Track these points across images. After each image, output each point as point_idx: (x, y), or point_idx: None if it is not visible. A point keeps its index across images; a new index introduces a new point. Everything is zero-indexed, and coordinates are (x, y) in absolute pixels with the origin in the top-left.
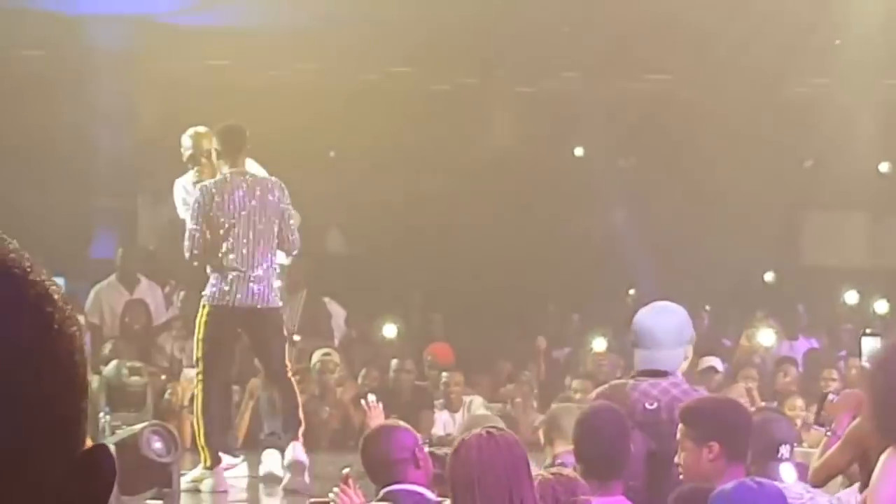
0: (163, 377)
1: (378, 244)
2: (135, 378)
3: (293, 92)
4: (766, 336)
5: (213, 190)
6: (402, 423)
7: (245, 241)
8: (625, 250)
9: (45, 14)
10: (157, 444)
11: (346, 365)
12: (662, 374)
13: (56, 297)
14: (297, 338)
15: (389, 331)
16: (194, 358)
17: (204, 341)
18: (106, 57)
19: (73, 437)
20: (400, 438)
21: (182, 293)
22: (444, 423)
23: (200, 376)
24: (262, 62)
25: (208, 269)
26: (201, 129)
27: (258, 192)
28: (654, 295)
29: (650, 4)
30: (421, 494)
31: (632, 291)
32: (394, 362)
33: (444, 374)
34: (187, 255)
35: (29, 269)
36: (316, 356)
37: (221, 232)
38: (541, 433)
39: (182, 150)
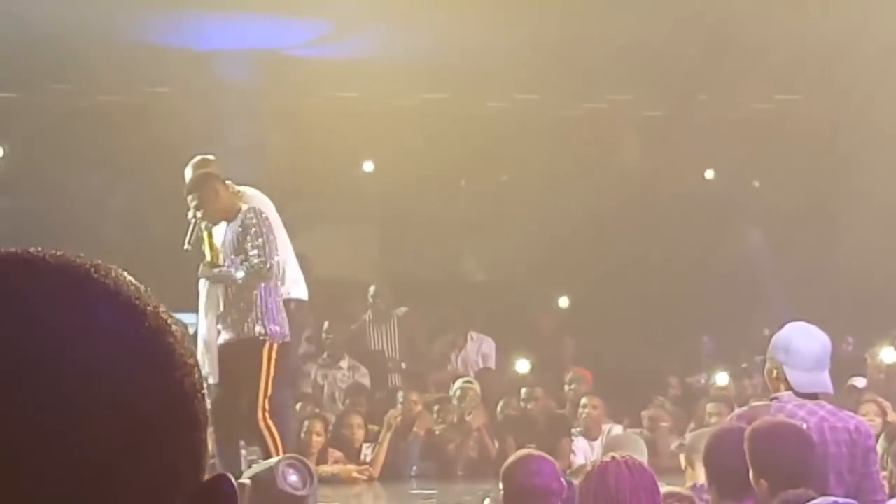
0: (308, 408)
1: (511, 270)
2: None
3: (422, 121)
4: (888, 354)
5: (265, 215)
6: (541, 452)
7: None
8: (758, 272)
9: (172, 50)
10: (293, 478)
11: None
12: (813, 396)
13: (175, 329)
14: (403, 365)
15: (522, 366)
16: (262, 404)
17: (274, 385)
18: (234, 91)
19: (193, 468)
20: (540, 468)
21: (326, 324)
22: (582, 450)
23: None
24: (389, 92)
25: (277, 303)
26: (208, 157)
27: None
28: (789, 317)
29: (777, 24)
30: None
31: (766, 331)
32: (523, 391)
33: (583, 399)
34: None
35: (148, 303)
36: (456, 384)
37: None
38: (682, 457)
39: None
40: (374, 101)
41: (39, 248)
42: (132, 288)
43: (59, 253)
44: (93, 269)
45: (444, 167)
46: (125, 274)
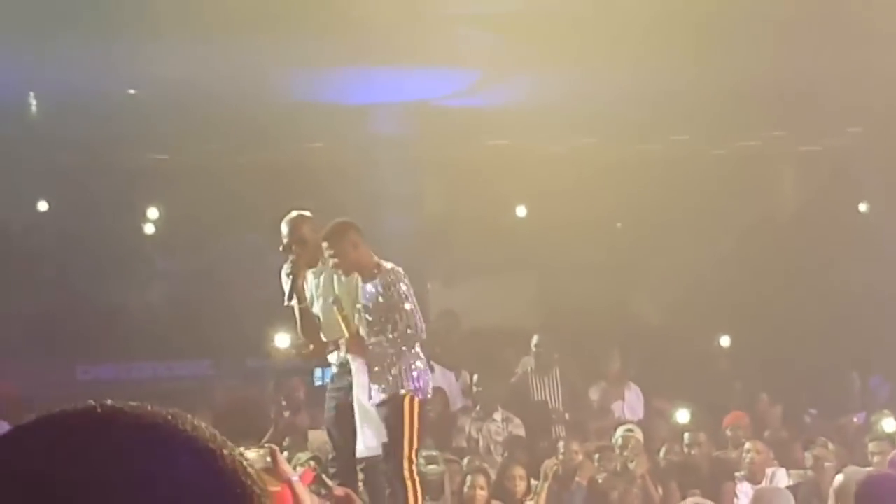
0: (464, 461)
1: (673, 311)
2: (432, 467)
3: (574, 166)
4: None
5: (403, 274)
6: (707, 501)
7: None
8: None
9: (323, 106)
10: None
11: (647, 440)
12: None
13: (249, 469)
14: (567, 415)
15: (682, 415)
16: (409, 453)
17: (419, 438)
18: (385, 144)
19: None
20: None
21: (476, 376)
22: (746, 494)
23: (414, 473)
24: (539, 138)
25: (414, 359)
26: (303, 213)
27: None
28: None
29: None
30: None
31: None
32: (686, 436)
33: (747, 444)
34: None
35: (223, 446)
36: (618, 432)
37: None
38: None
39: (281, 237)
40: (526, 147)
41: (119, 403)
42: (208, 433)
43: (139, 405)
44: (172, 419)
45: (597, 211)
46: (201, 423)
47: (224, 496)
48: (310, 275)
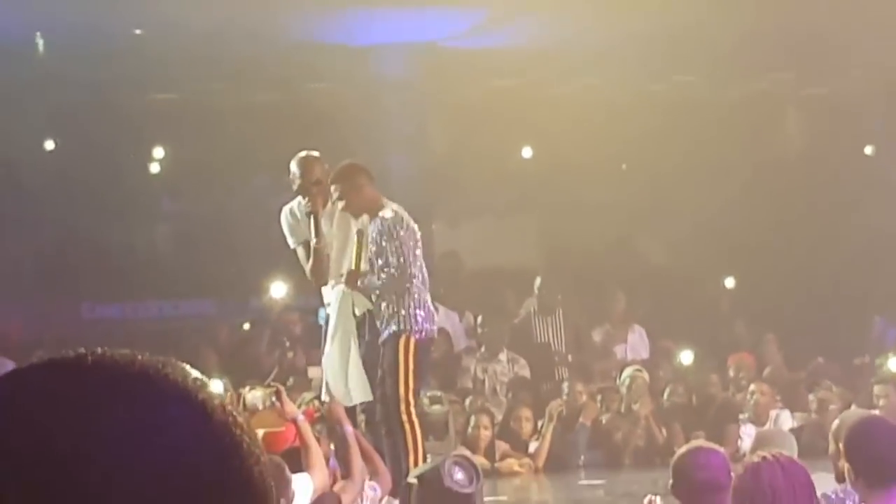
0: (466, 401)
1: (679, 253)
2: (436, 407)
3: (579, 107)
4: None
5: (405, 216)
6: (711, 444)
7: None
8: None
9: (329, 47)
10: (459, 475)
11: (652, 380)
12: None
13: (241, 420)
14: (570, 357)
15: (686, 357)
16: (405, 395)
17: (416, 378)
18: (391, 85)
19: None
20: (709, 461)
21: (480, 317)
22: (750, 436)
23: (412, 415)
24: (547, 79)
25: (414, 299)
26: (313, 153)
27: None
28: None
29: None
30: None
31: None
32: (691, 377)
33: (752, 386)
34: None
35: (214, 397)
36: (625, 373)
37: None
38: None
39: (291, 177)
40: (532, 88)
41: (108, 350)
42: (199, 383)
43: (126, 352)
44: (161, 367)
45: (603, 152)
46: (192, 370)
47: (213, 446)
48: (322, 216)
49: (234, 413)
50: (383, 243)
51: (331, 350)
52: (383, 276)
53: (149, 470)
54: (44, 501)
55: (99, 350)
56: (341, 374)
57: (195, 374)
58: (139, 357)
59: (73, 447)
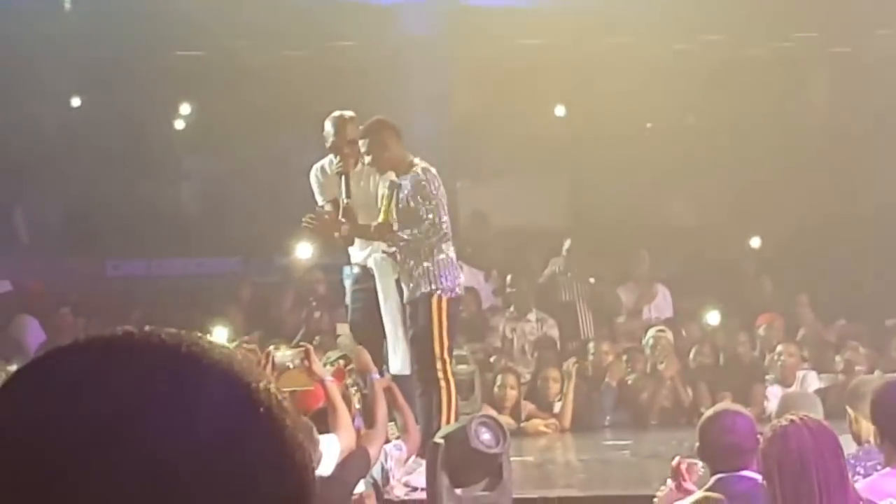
0: (491, 359)
1: (705, 213)
2: (462, 367)
3: (607, 66)
4: None
5: (435, 173)
6: (737, 407)
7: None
8: None
9: (355, 4)
10: (486, 436)
11: (677, 341)
12: None
13: (283, 402)
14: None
15: (713, 317)
16: (441, 353)
17: (449, 337)
18: (417, 44)
19: None
20: (735, 424)
21: (510, 276)
22: (776, 397)
23: (448, 373)
24: (573, 38)
25: (445, 258)
26: (347, 113)
27: None
28: None
29: None
30: (755, 481)
31: None
32: (720, 336)
33: (779, 347)
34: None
35: (259, 379)
36: (649, 333)
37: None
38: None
39: (325, 135)
40: (558, 48)
41: (154, 329)
42: (245, 365)
43: (172, 332)
44: (207, 349)
45: (629, 112)
46: (238, 353)
47: (257, 430)
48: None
49: (278, 397)
50: (418, 199)
51: (386, 319)
52: (416, 231)
53: (193, 451)
54: (93, 480)
55: (146, 329)
56: (399, 344)
57: (239, 355)
58: (186, 337)
59: (117, 427)
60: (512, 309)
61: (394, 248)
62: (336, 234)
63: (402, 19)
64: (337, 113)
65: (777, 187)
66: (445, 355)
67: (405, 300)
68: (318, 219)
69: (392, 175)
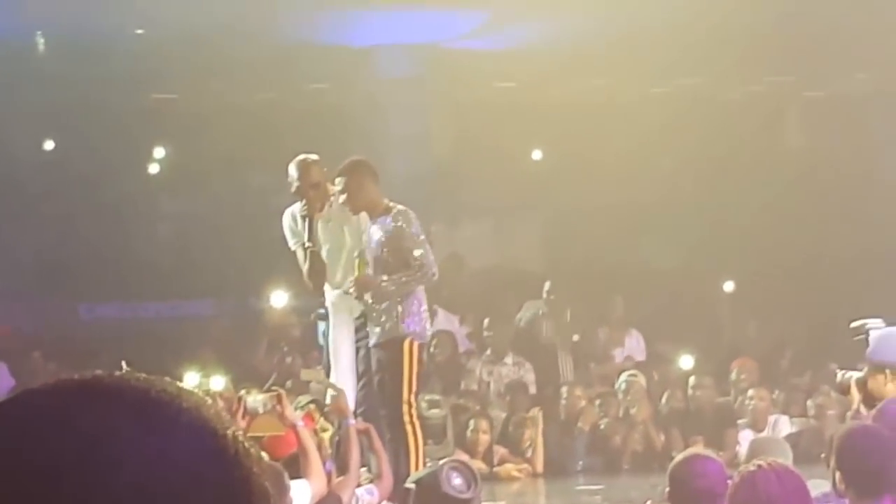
0: (461, 400)
1: (679, 256)
2: (434, 411)
3: (582, 109)
4: None
5: (414, 216)
6: (708, 452)
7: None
8: None
9: (330, 48)
10: (458, 481)
11: (650, 385)
12: None
13: (251, 449)
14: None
15: (686, 361)
16: (408, 397)
17: (418, 381)
18: (393, 86)
19: None
20: (706, 469)
21: (487, 320)
22: (748, 441)
23: (414, 417)
24: (549, 81)
25: (417, 302)
26: (311, 157)
27: None
28: None
29: None
30: None
31: None
32: (691, 379)
33: (750, 391)
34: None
35: (227, 426)
36: (621, 378)
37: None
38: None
39: (289, 180)
40: (534, 90)
41: (125, 374)
42: (213, 411)
43: (144, 377)
44: (176, 393)
45: (605, 154)
46: (208, 399)
47: (223, 478)
48: (319, 220)
49: (246, 444)
50: (401, 240)
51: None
52: (399, 276)
53: (159, 495)
54: None
55: (115, 373)
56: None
57: (209, 402)
58: (155, 382)
59: (83, 470)
60: (489, 352)
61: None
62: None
63: (379, 62)
64: (300, 156)
65: (752, 230)
66: (412, 399)
67: (373, 343)
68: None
69: (364, 216)
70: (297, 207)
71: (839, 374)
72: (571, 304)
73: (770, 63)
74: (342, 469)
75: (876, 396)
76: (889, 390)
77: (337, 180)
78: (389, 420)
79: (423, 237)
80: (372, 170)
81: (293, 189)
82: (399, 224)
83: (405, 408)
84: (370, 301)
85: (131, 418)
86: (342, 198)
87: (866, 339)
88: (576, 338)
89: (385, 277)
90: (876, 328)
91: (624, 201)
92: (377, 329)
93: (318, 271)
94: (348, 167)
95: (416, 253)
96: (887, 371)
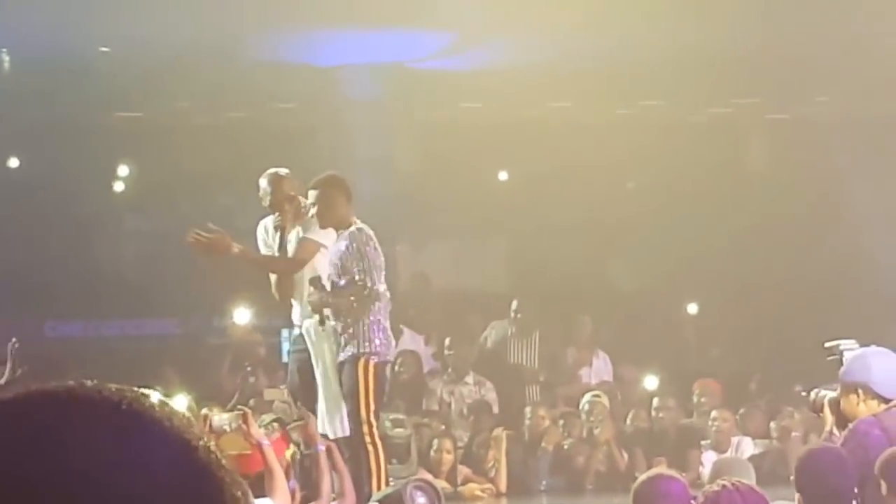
0: (431, 425)
1: (644, 277)
2: (398, 430)
3: (548, 130)
4: None
5: (371, 234)
6: (672, 472)
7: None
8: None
9: (296, 67)
10: (421, 500)
11: (613, 405)
12: None
13: (223, 461)
14: (541, 378)
15: (651, 382)
16: (367, 416)
17: (376, 401)
18: (358, 106)
19: None
20: (669, 489)
21: (448, 339)
22: (711, 463)
23: (374, 437)
24: (514, 102)
25: (374, 323)
26: (282, 171)
27: None
28: None
29: None
30: None
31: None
32: (655, 400)
33: (714, 413)
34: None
35: (199, 437)
36: (584, 398)
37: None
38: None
39: (261, 194)
40: (500, 111)
41: (96, 383)
42: (184, 422)
43: (114, 387)
44: (149, 404)
45: (569, 176)
46: (177, 408)
47: (195, 487)
48: (290, 232)
49: (218, 456)
50: (350, 259)
51: (321, 384)
52: (345, 292)
53: None
54: None
55: (87, 383)
56: (337, 409)
57: (180, 412)
58: (128, 393)
59: (53, 482)
60: (450, 371)
61: (326, 311)
62: (232, 254)
63: (345, 82)
64: (272, 170)
65: (717, 252)
66: (371, 419)
67: (337, 360)
68: (207, 236)
69: (331, 232)
70: (270, 220)
71: (812, 392)
72: (539, 325)
73: (734, 86)
74: (314, 496)
75: (848, 417)
76: (861, 410)
77: (310, 192)
78: (350, 441)
79: (371, 257)
80: (345, 187)
81: (266, 202)
82: (351, 243)
83: (365, 428)
84: (329, 319)
85: (104, 428)
86: (313, 210)
87: (840, 360)
88: (538, 342)
89: (335, 299)
90: (850, 349)
91: (590, 222)
92: (338, 347)
93: (286, 285)
94: (322, 182)
95: (359, 271)
96: (860, 391)
